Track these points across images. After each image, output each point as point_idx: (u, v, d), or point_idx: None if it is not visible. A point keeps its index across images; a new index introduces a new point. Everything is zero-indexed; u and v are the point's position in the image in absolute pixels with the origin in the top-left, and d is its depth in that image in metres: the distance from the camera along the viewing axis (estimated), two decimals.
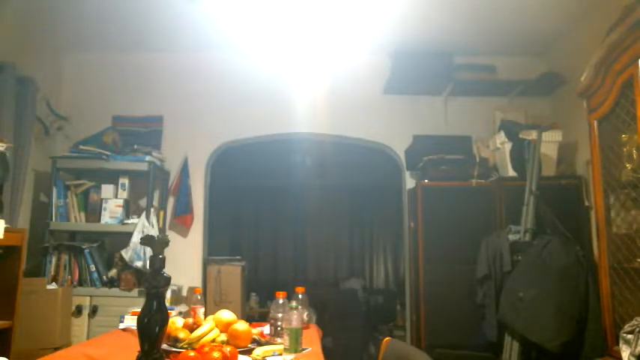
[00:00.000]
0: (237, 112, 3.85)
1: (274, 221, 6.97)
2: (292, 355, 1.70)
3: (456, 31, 3.45)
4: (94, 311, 3.21)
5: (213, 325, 1.85)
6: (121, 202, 3.39)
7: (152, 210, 3.42)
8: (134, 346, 1.46)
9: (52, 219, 3.33)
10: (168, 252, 1.51)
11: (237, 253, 3.98)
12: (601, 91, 2.38)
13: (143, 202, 3.54)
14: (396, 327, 5.21)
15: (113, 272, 3.31)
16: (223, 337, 1.81)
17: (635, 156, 2.19)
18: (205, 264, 3.66)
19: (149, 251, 1.49)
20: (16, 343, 2.48)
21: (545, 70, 3.64)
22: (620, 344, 2.04)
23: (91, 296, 3.23)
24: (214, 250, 4.05)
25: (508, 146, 3.29)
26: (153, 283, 1.43)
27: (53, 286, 3.08)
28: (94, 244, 3.38)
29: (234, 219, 6.79)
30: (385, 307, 6.11)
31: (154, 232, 3.32)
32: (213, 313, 2.01)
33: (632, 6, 2.14)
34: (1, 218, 2.41)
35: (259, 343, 1.84)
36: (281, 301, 2.04)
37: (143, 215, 3.33)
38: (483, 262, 2.94)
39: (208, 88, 3.86)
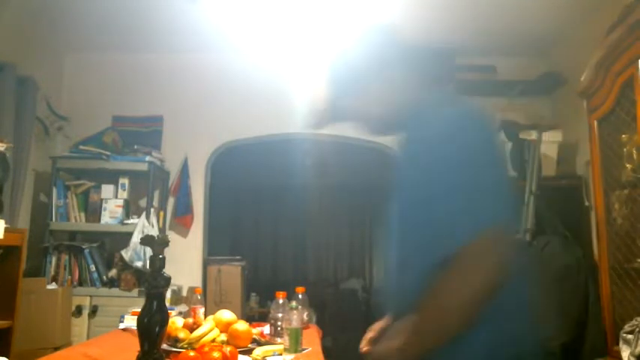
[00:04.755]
0: (237, 112, 3.85)
1: (274, 221, 6.97)
2: (292, 355, 1.70)
3: (456, 31, 3.45)
4: (94, 311, 3.21)
5: (213, 325, 1.85)
6: (121, 202, 3.39)
7: (152, 210, 3.42)
8: (134, 346, 1.46)
9: (52, 219, 3.33)
10: (168, 252, 1.52)
11: (237, 253, 3.98)
12: (601, 91, 2.38)
13: (143, 202, 3.54)
14: None
15: (113, 272, 3.31)
16: (223, 337, 1.81)
17: (635, 156, 2.19)
18: (205, 264, 3.66)
19: (149, 251, 1.49)
20: (16, 343, 2.48)
21: (545, 70, 3.64)
22: (620, 344, 2.04)
23: (91, 296, 3.23)
24: (214, 250, 4.05)
25: (508, 146, 3.29)
26: (153, 284, 1.43)
27: (53, 286, 3.08)
28: (94, 244, 3.38)
29: (234, 219, 6.79)
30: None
31: (154, 232, 3.32)
32: (213, 313, 2.01)
33: (632, 6, 2.14)
34: (1, 218, 2.41)
35: (259, 343, 1.84)
36: (281, 301, 2.04)
37: (143, 215, 3.33)
38: None
39: (208, 88, 3.86)
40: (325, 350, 1.91)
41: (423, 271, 1.05)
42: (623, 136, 2.26)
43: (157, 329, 1.40)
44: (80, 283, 3.28)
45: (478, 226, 1.00)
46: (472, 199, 1.03)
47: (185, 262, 3.62)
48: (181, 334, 1.81)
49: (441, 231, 1.02)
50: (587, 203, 3.12)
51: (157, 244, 1.47)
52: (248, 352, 1.71)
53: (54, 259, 3.29)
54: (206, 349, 1.53)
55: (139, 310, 1.44)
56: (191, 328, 1.86)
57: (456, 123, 1.08)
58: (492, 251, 1.00)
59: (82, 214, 3.40)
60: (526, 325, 1.08)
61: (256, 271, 6.59)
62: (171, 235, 3.69)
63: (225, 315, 1.92)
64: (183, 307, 3.04)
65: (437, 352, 1.01)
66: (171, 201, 3.77)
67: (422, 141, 1.11)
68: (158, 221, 3.51)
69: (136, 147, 3.56)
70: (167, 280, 1.45)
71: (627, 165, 2.24)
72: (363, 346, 1.25)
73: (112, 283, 3.30)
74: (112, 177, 3.43)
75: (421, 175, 1.07)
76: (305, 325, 2.17)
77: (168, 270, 1.47)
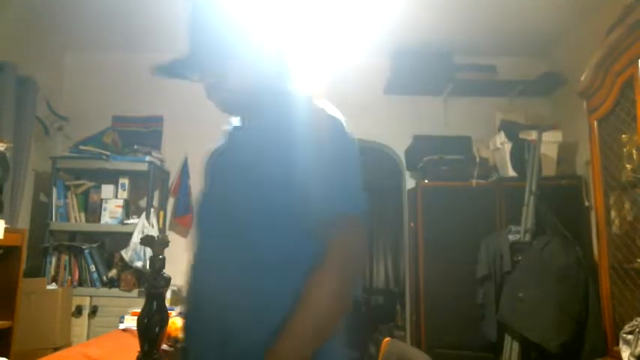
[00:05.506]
0: None
1: None
2: None
3: (456, 31, 3.45)
4: (94, 311, 3.21)
5: None
6: (121, 202, 3.39)
7: (152, 210, 3.42)
8: (134, 346, 1.46)
9: (52, 219, 3.33)
10: (168, 252, 1.52)
11: None
12: (601, 91, 2.38)
13: (143, 202, 3.54)
14: (396, 327, 5.21)
15: (113, 272, 3.31)
16: None
17: (635, 156, 2.19)
18: None
19: (149, 251, 1.49)
20: (16, 343, 2.48)
21: (545, 70, 3.64)
22: (620, 344, 2.04)
23: (91, 296, 3.23)
24: None
25: (508, 146, 3.29)
26: (153, 284, 1.43)
27: (53, 286, 3.09)
28: (94, 244, 3.38)
29: None
30: (385, 307, 6.11)
31: (154, 232, 3.32)
32: None
33: (632, 6, 2.14)
34: (1, 218, 2.41)
35: None
36: None
37: (143, 215, 3.33)
38: (483, 262, 2.94)
39: None
40: None
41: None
42: (623, 136, 2.26)
43: (156, 329, 1.41)
44: (80, 283, 3.28)
45: (343, 203, 1.04)
46: (337, 177, 1.06)
47: (185, 262, 3.61)
48: (181, 335, 1.80)
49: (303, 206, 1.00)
50: (587, 203, 3.12)
51: (157, 244, 1.47)
52: None
53: (54, 259, 3.29)
54: None
55: (139, 310, 1.45)
56: None
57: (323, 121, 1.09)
58: (361, 242, 1.07)
59: (82, 214, 3.40)
60: None
61: None
62: (171, 235, 3.68)
63: None
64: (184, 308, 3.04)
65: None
66: (171, 201, 3.77)
67: (281, 127, 1.07)
68: (158, 221, 3.51)
69: (136, 147, 3.55)
70: (167, 281, 1.45)
71: (627, 165, 2.24)
72: None
73: (112, 283, 3.30)
74: (112, 177, 3.43)
75: (280, 156, 1.02)
76: None
77: (168, 270, 1.47)
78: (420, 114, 3.85)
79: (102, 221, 3.36)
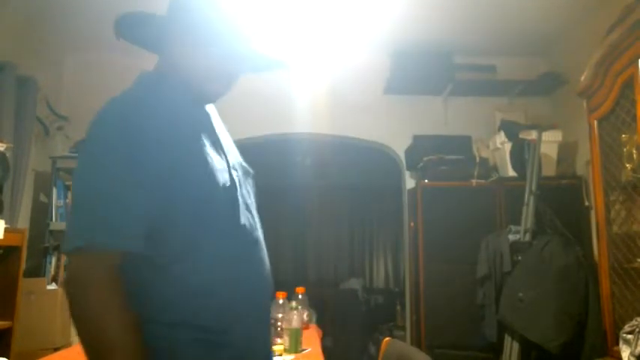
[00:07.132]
0: (237, 112, 3.83)
1: (274, 221, 6.97)
2: (292, 356, 1.70)
3: (456, 31, 3.45)
4: None
5: None
6: None
7: None
8: None
9: (52, 219, 3.32)
10: None
11: None
12: (601, 91, 2.38)
13: None
14: (396, 327, 5.21)
15: None
16: None
17: (635, 156, 2.19)
18: None
19: None
20: (16, 343, 2.48)
21: (545, 70, 3.64)
22: (620, 344, 2.04)
23: None
24: None
25: (508, 146, 3.29)
26: None
27: (53, 286, 3.08)
28: None
29: None
30: (385, 307, 6.11)
31: None
32: None
33: (632, 6, 2.14)
34: (1, 218, 2.41)
35: None
36: (281, 302, 2.04)
37: None
38: (483, 262, 2.94)
39: None
40: (325, 350, 1.91)
41: None
42: (623, 136, 2.26)
43: None
44: None
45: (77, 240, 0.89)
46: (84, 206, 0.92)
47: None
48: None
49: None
50: (587, 203, 3.12)
51: None
52: None
53: (54, 259, 3.29)
54: None
55: None
56: None
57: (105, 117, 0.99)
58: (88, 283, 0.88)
59: None
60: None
61: None
62: None
63: None
64: None
65: None
66: None
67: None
68: None
69: None
70: None
71: (627, 165, 2.24)
72: None
73: None
74: None
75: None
76: (305, 326, 2.17)
77: None
78: (420, 114, 3.85)
79: None
